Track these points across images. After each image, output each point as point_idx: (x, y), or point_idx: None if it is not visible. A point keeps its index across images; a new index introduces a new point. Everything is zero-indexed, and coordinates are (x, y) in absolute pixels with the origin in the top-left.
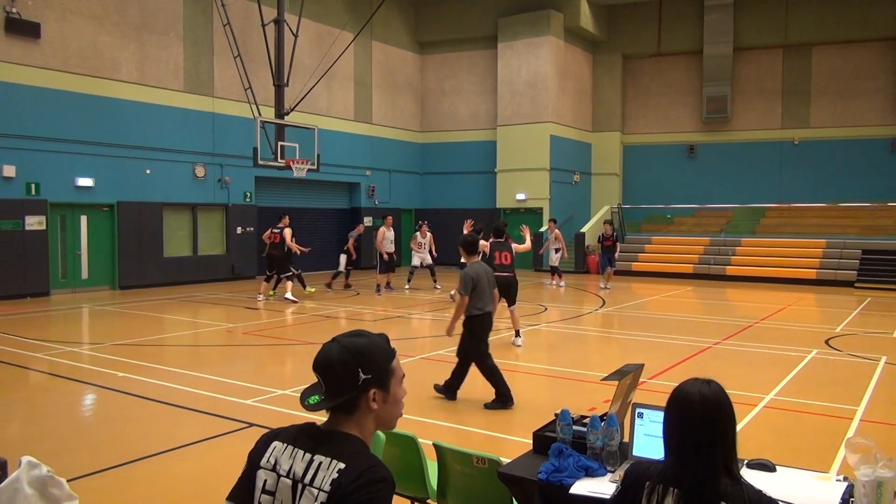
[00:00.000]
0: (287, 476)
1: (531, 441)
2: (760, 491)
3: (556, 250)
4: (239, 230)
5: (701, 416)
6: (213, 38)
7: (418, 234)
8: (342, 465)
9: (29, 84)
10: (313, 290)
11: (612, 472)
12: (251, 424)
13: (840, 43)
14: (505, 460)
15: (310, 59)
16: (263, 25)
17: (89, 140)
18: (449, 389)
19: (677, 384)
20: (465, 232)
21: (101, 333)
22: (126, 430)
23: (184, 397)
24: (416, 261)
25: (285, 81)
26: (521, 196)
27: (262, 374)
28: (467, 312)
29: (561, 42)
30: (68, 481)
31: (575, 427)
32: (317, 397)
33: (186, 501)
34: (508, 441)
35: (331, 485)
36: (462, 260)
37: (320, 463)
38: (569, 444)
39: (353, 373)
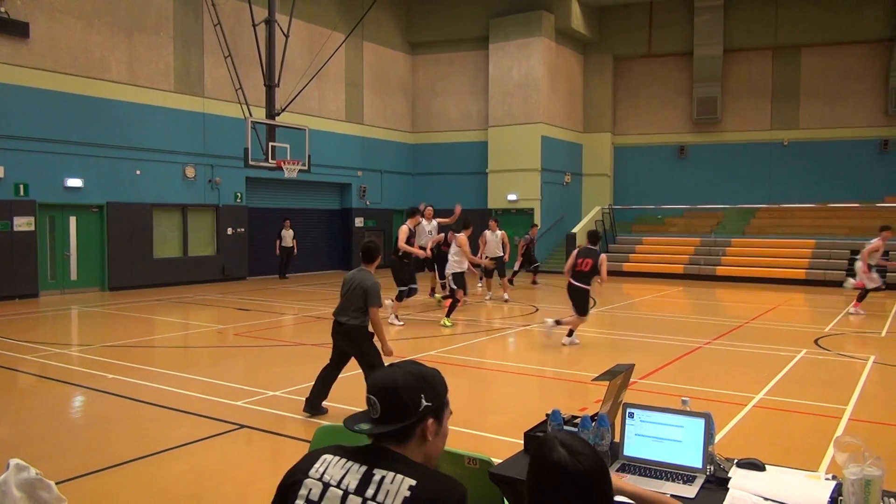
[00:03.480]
0: (337, 486)
1: (522, 441)
2: None
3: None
4: (230, 231)
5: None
6: (204, 39)
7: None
8: (413, 482)
9: (18, 84)
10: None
11: None
12: (242, 426)
13: (829, 45)
14: (496, 461)
15: (301, 59)
16: (254, 25)
17: (79, 140)
18: (312, 406)
19: (538, 448)
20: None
21: (91, 335)
22: (116, 431)
23: (174, 399)
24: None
25: (276, 82)
26: (512, 197)
27: (253, 375)
28: None
29: (552, 43)
30: (57, 484)
31: (566, 427)
32: (368, 424)
33: (177, 503)
34: (499, 441)
35: (404, 502)
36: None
37: (382, 477)
38: None
39: (416, 399)
